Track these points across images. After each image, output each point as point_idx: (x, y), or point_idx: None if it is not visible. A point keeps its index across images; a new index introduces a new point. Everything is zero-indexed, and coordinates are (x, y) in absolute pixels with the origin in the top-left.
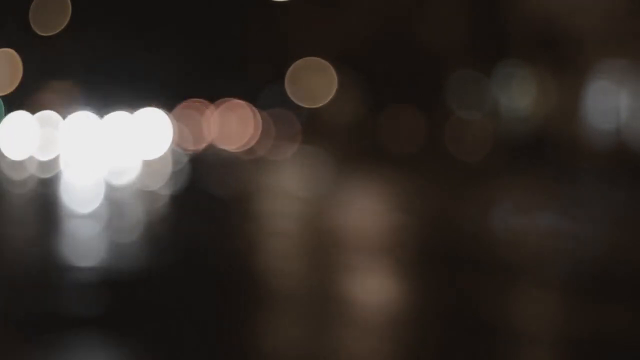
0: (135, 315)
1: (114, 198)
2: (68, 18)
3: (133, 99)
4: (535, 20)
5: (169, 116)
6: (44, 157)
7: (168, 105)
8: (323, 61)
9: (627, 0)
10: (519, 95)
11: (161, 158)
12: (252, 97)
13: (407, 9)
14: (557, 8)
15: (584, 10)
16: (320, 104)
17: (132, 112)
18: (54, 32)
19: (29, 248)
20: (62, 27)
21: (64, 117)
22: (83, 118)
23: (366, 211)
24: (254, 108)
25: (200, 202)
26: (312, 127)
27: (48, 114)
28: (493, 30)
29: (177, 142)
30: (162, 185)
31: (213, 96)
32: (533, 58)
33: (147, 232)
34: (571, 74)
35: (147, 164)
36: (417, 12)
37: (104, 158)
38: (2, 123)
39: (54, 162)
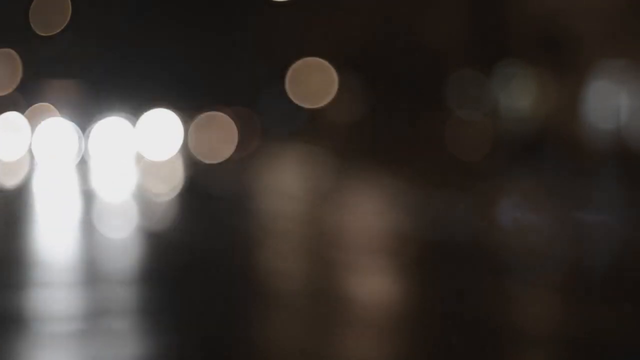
0: (131, 315)
1: (105, 199)
2: (68, 18)
3: (134, 101)
4: (535, 20)
5: (189, 123)
6: (7, 159)
7: (177, 107)
8: (323, 61)
9: (627, 0)
10: (519, 95)
11: (168, 161)
12: (251, 98)
13: (407, 9)
14: (557, 8)
15: (584, 10)
16: (320, 104)
17: (134, 115)
18: (54, 32)
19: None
20: (62, 27)
21: (47, 120)
22: (67, 121)
23: (366, 211)
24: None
25: (201, 203)
26: (312, 127)
27: (12, 116)
28: (493, 30)
29: (196, 151)
30: (165, 187)
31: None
32: (533, 58)
33: (144, 233)
34: (571, 74)
35: (151, 166)
36: (417, 12)
37: (99, 159)
38: None
39: (20, 163)
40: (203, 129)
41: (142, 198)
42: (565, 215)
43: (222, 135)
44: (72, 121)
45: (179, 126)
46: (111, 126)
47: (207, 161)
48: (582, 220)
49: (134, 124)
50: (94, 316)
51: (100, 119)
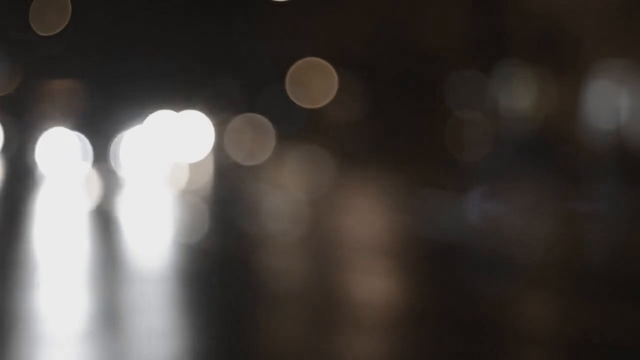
0: (130, 315)
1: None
2: (68, 18)
3: (133, 102)
4: (535, 20)
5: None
6: None
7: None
8: (323, 61)
9: (626, 0)
10: (519, 95)
11: (200, 162)
12: (251, 99)
13: (407, 9)
14: (557, 8)
15: (584, 10)
16: (320, 104)
17: (135, 117)
18: (54, 32)
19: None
20: (62, 27)
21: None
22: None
23: (366, 211)
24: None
25: (202, 204)
26: (312, 127)
27: None
28: (493, 30)
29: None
30: (173, 189)
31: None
32: (533, 58)
33: (149, 233)
34: (571, 74)
35: (156, 168)
36: (417, 12)
37: (117, 164)
38: None
39: None
40: (241, 131)
41: (161, 200)
42: (564, 215)
43: (259, 138)
44: (77, 128)
45: (181, 127)
46: (120, 131)
47: (247, 163)
48: (581, 220)
49: (135, 126)
50: (101, 317)
51: (107, 124)
